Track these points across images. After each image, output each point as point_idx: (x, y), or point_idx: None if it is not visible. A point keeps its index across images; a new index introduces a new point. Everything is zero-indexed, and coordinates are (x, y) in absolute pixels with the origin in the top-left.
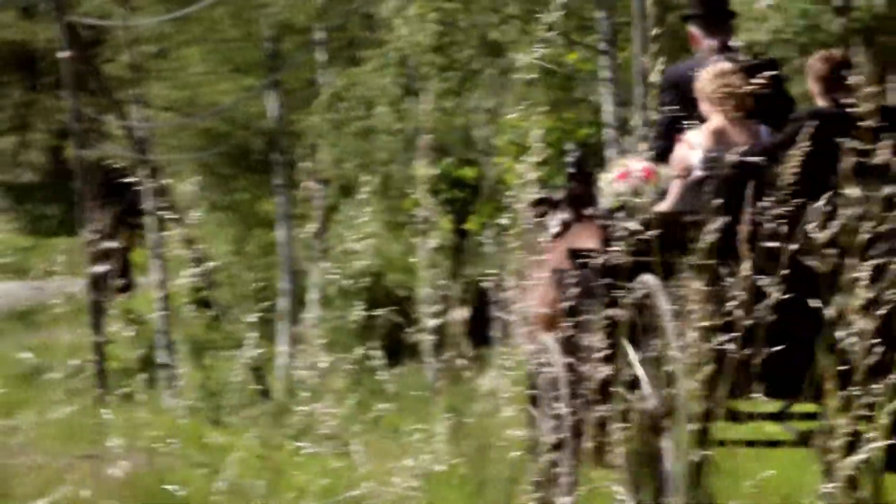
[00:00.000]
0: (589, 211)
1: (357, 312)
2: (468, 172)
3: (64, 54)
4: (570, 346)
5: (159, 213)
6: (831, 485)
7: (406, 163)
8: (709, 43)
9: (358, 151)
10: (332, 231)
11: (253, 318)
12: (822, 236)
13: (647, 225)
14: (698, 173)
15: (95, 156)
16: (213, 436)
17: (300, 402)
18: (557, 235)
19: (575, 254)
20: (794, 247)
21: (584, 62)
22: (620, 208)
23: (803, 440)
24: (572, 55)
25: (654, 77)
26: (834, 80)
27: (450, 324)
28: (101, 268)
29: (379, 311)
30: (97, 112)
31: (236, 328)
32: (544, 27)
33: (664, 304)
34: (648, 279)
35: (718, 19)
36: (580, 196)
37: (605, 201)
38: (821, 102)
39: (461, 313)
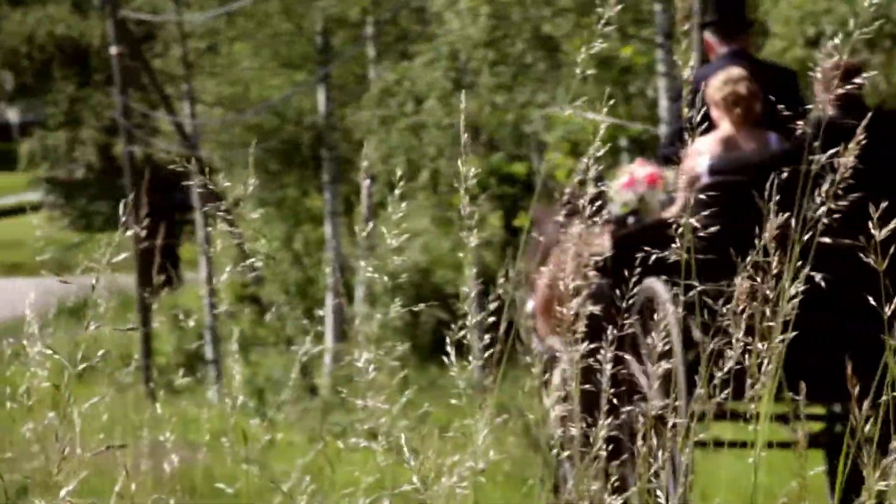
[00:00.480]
0: (599, 217)
1: (401, 309)
2: (519, 168)
3: (115, 50)
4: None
5: (207, 208)
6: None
7: (455, 158)
8: (723, 50)
9: (407, 147)
10: (379, 227)
11: (300, 314)
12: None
13: (652, 230)
14: (706, 180)
15: (145, 152)
16: (261, 431)
17: (347, 399)
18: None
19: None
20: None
21: (640, 56)
22: (631, 214)
23: (811, 442)
24: (627, 48)
25: (687, 72)
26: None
27: (497, 320)
28: (148, 264)
29: (424, 307)
30: (147, 108)
31: (284, 324)
32: (600, 20)
33: (669, 307)
34: (654, 283)
35: (734, 27)
36: (591, 202)
37: (614, 208)
38: (829, 110)
39: (507, 309)
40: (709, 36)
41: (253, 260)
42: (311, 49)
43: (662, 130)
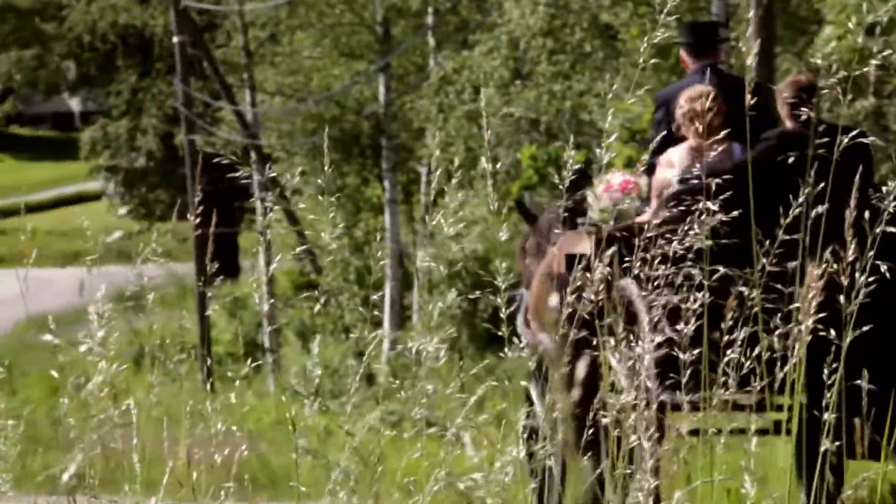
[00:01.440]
0: (581, 221)
1: (456, 297)
2: (577, 156)
3: (177, 39)
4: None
5: (268, 197)
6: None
7: (514, 147)
8: (695, 66)
9: (465, 135)
10: (438, 215)
11: (359, 302)
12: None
13: (627, 234)
14: (674, 188)
15: (205, 141)
16: (318, 420)
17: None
18: (555, 242)
19: (569, 259)
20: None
21: None
22: (612, 219)
23: (777, 430)
24: None
25: (750, 59)
26: (800, 105)
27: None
28: (208, 252)
29: (480, 295)
30: (208, 97)
31: (342, 312)
32: (657, 10)
33: (640, 306)
34: (627, 283)
35: (705, 45)
36: (574, 208)
37: (593, 213)
38: (788, 124)
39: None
40: (683, 53)
41: (306, 247)
42: (372, 38)
43: None
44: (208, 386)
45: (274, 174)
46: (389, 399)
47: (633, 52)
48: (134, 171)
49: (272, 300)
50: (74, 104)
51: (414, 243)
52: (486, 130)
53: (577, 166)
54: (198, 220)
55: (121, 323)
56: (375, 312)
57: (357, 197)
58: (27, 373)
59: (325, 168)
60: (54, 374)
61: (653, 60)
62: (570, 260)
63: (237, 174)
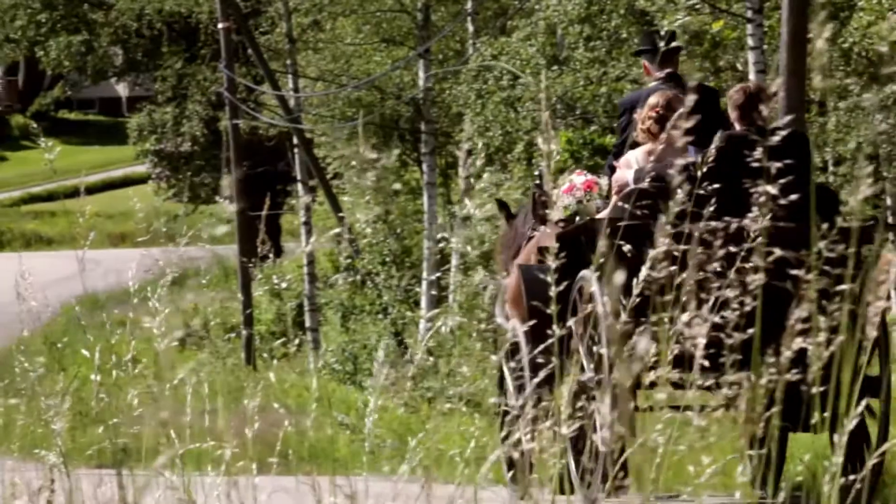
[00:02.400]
0: (549, 217)
1: (490, 278)
2: (612, 140)
3: (222, 26)
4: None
5: (309, 180)
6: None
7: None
8: (657, 74)
9: (503, 120)
10: (475, 198)
11: (396, 283)
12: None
13: (586, 229)
14: (631, 187)
15: (249, 125)
16: (356, 397)
17: (440, 365)
18: (528, 237)
19: (539, 252)
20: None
21: (730, 30)
22: (572, 216)
23: (728, 406)
24: (718, 23)
25: (821, 44)
26: (748, 108)
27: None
28: (250, 234)
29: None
30: (252, 82)
31: (380, 293)
32: None
33: (598, 294)
34: (587, 274)
35: (665, 55)
36: (543, 205)
37: (557, 211)
38: (738, 127)
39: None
40: (645, 62)
41: (340, 229)
42: (412, 24)
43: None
44: (251, 364)
45: (315, 159)
46: (426, 377)
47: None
48: (179, 155)
49: (313, 279)
50: (122, 89)
51: (451, 226)
52: (541, 114)
53: (539, 169)
54: (243, 203)
55: (166, 303)
56: (413, 292)
57: (395, 180)
58: (77, 351)
59: (361, 148)
60: (101, 351)
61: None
62: (542, 252)
63: (284, 157)
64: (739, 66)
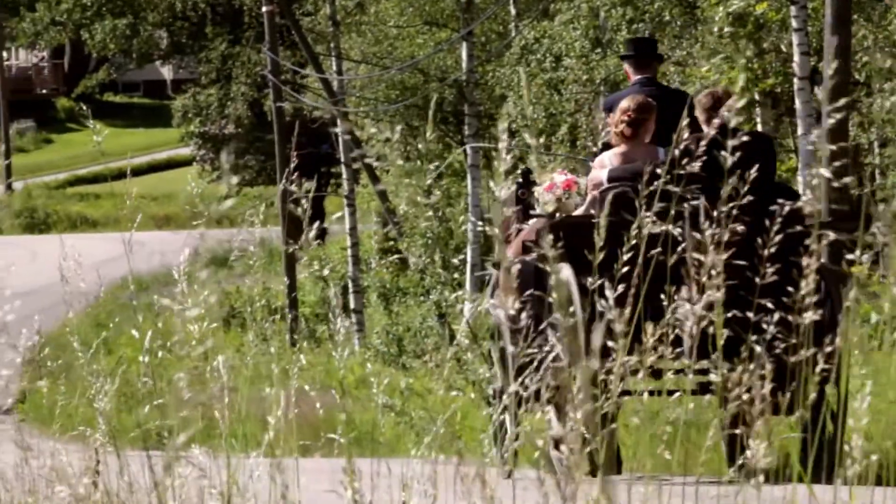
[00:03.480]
0: (532, 213)
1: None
2: None
3: (266, 8)
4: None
5: (353, 162)
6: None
7: (594, 113)
8: (636, 78)
9: (546, 102)
10: (507, 181)
11: (440, 265)
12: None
13: (563, 226)
14: (605, 185)
15: (293, 107)
16: (400, 379)
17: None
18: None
19: (524, 247)
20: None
21: (774, 12)
22: (552, 214)
23: (703, 390)
24: (762, 5)
25: None
26: (716, 112)
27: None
28: (295, 216)
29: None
30: (296, 65)
31: (423, 275)
32: None
33: (573, 287)
34: (563, 267)
35: (644, 59)
36: (527, 201)
37: (538, 208)
38: (705, 129)
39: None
40: (626, 66)
41: (395, 213)
42: (455, 7)
43: (798, 85)
44: (295, 346)
45: (358, 141)
46: (469, 359)
47: (711, 20)
48: (223, 138)
49: (357, 261)
50: (166, 72)
51: (490, 208)
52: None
53: (523, 168)
54: (288, 185)
55: (211, 285)
56: (456, 275)
57: (439, 163)
58: (123, 332)
59: (429, 132)
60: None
61: (727, 28)
62: (524, 248)
63: (328, 139)
64: (784, 48)
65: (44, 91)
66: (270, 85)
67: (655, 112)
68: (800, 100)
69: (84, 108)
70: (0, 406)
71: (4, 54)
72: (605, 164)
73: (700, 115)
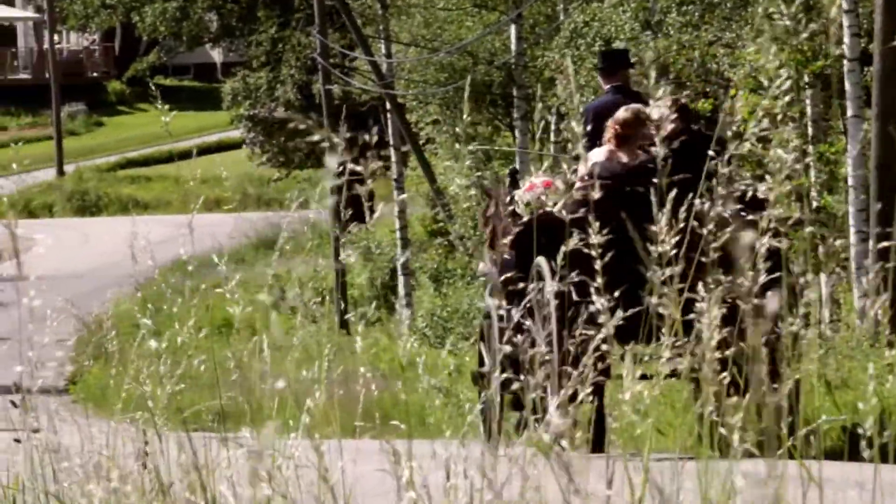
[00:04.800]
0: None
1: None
2: (704, 105)
3: None
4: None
5: (402, 145)
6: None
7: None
8: (608, 86)
9: (595, 85)
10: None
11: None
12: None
13: (542, 223)
14: (586, 182)
15: (342, 90)
16: (448, 361)
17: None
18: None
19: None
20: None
21: None
22: (532, 213)
23: (673, 374)
24: None
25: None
26: (681, 119)
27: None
28: (344, 199)
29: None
30: (345, 48)
31: (472, 257)
32: None
33: (548, 278)
34: (540, 261)
35: (615, 70)
36: (514, 199)
37: (519, 207)
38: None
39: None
40: (599, 75)
41: (443, 196)
42: None
43: (847, 66)
44: (344, 328)
45: (407, 124)
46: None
47: (761, 1)
48: (273, 121)
49: (406, 244)
50: (216, 55)
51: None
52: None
53: (510, 167)
54: (337, 168)
55: (260, 267)
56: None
57: (487, 145)
58: (174, 314)
59: (465, 115)
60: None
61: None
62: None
63: (377, 122)
64: (833, 30)
65: (95, 74)
66: (320, 68)
67: (646, 122)
68: (850, 81)
69: (153, 88)
70: (53, 387)
71: (56, 38)
72: (595, 160)
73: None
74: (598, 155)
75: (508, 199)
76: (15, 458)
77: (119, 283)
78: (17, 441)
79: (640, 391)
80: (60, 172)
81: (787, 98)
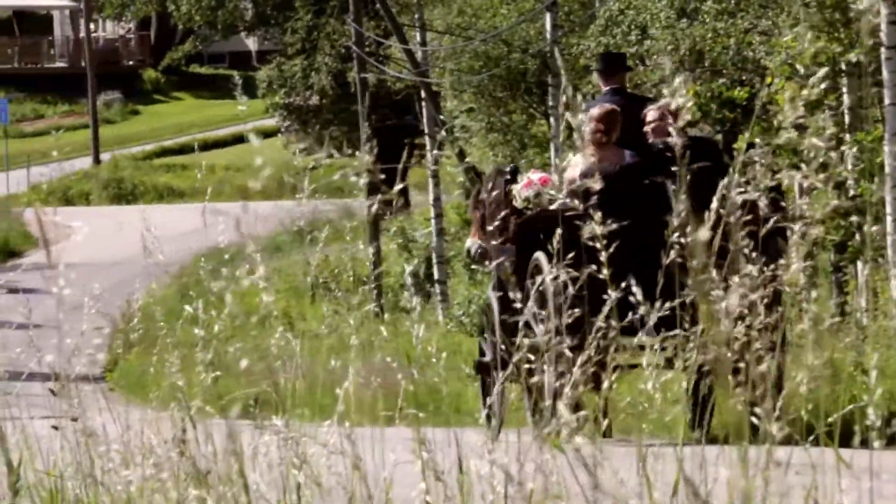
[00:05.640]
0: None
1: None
2: (740, 93)
3: None
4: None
5: (436, 133)
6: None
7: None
8: (605, 88)
9: (631, 74)
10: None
11: None
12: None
13: (539, 218)
14: (578, 182)
15: (377, 78)
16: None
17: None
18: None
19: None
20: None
21: None
22: (528, 207)
23: (668, 364)
24: None
25: None
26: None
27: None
28: (379, 187)
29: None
30: (380, 36)
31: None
32: None
33: (546, 270)
34: (539, 255)
35: (613, 72)
36: (511, 195)
37: (517, 202)
38: (652, 139)
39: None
40: (597, 76)
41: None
42: None
43: (885, 54)
44: (379, 316)
45: (442, 112)
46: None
47: None
48: (308, 109)
49: (441, 231)
50: (251, 43)
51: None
52: None
53: (509, 166)
54: (372, 156)
55: (296, 255)
56: None
57: (523, 134)
58: (208, 302)
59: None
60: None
61: None
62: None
63: (412, 110)
64: (872, 18)
65: (130, 63)
66: (355, 56)
67: (620, 119)
68: (887, 69)
69: (236, 77)
70: (90, 374)
71: (92, 26)
72: (578, 164)
73: (647, 127)
74: (580, 160)
75: (505, 192)
76: (53, 446)
77: (153, 272)
78: (56, 428)
79: (669, 379)
80: (96, 161)
81: (823, 86)
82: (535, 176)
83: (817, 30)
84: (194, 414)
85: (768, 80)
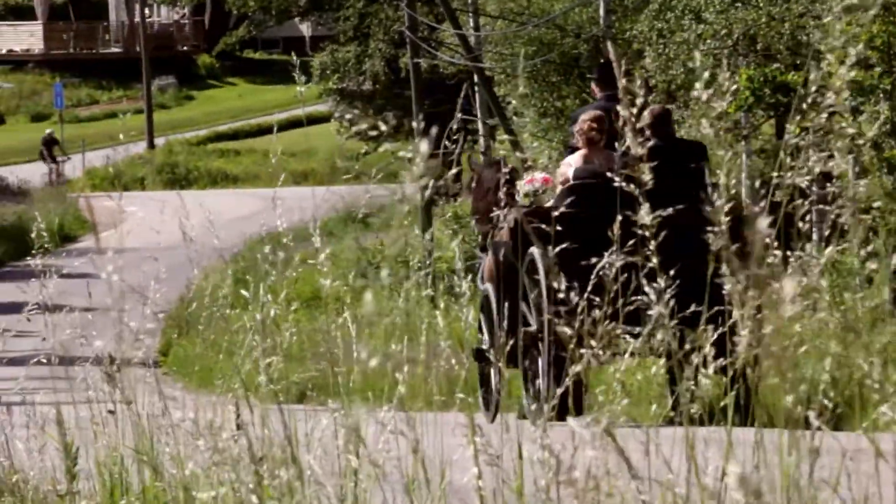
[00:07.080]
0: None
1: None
2: (794, 78)
3: None
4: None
5: (490, 119)
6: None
7: (732, 69)
8: (601, 94)
9: (685, 58)
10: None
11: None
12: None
13: (536, 216)
14: (571, 182)
15: (430, 64)
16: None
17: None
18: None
19: (510, 231)
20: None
21: None
22: (530, 204)
23: (653, 352)
24: None
25: None
26: (657, 126)
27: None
28: (432, 172)
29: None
30: (433, 21)
31: None
32: None
33: (541, 266)
34: (534, 250)
35: (609, 80)
36: (512, 193)
37: (519, 198)
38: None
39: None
40: (593, 85)
41: (526, 159)
42: None
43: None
44: (432, 301)
45: (496, 98)
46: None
47: None
48: (361, 94)
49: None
50: (305, 29)
51: None
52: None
53: (511, 165)
54: (425, 142)
55: (349, 240)
56: None
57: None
58: (263, 287)
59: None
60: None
61: None
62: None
63: (465, 96)
64: None
65: (185, 48)
66: (408, 41)
67: (607, 122)
68: None
69: (295, 58)
70: (146, 359)
71: (146, 11)
72: (570, 164)
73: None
74: (574, 158)
75: (506, 186)
76: (108, 429)
77: (208, 257)
78: (111, 412)
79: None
80: (151, 146)
81: (877, 70)
82: (537, 175)
83: (872, 13)
84: (252, 398)
85: (822, 64)
